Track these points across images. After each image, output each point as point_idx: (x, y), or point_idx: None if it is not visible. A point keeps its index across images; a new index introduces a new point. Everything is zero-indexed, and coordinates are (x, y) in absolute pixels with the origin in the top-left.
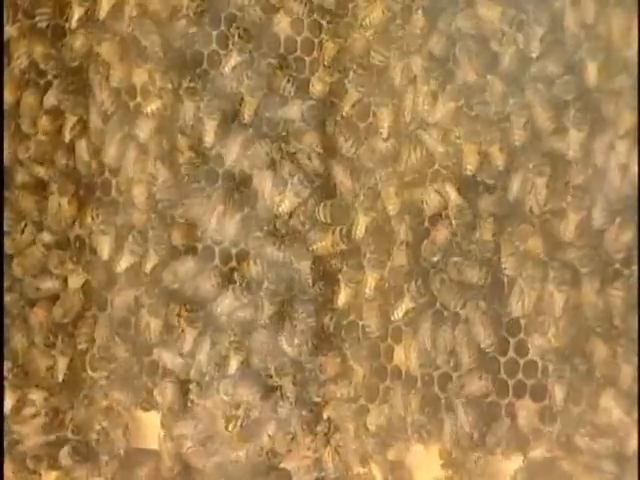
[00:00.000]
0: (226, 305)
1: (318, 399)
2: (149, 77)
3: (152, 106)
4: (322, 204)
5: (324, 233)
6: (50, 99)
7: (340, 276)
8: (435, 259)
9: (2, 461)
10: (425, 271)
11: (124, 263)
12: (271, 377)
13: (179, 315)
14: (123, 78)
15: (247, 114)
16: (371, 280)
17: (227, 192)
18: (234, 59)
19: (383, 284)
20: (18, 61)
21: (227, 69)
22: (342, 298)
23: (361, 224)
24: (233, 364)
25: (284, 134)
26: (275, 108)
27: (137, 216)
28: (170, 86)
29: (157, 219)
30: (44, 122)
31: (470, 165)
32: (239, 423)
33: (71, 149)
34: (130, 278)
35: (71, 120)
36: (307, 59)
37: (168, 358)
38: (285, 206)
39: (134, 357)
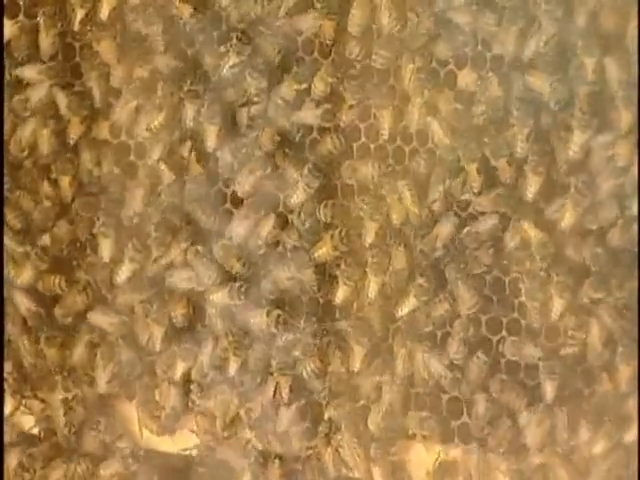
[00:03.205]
0: (218, 298)
1: (319, 399)
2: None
3: (155, 123)
4: (323, 204)
5: (324, 239)
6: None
7: (338, 273)
8: (437, 254)
9: (2, 461)
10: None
11: (124, 274)
12: (272, 374)
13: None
14: (123, 78)
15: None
16: (374, 285)
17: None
18: (232, 61)
19: (386, 288)
20: (16, 53)
21: (225, 71)
22: (340, 296)
23: (370, 230)
24: (233, 366)
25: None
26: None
27: (138, 219)
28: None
29: (160, 222)
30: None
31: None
32: (239, 423)
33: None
34: (132, 283)
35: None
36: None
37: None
38: (297, 197)
39: (136, 358)
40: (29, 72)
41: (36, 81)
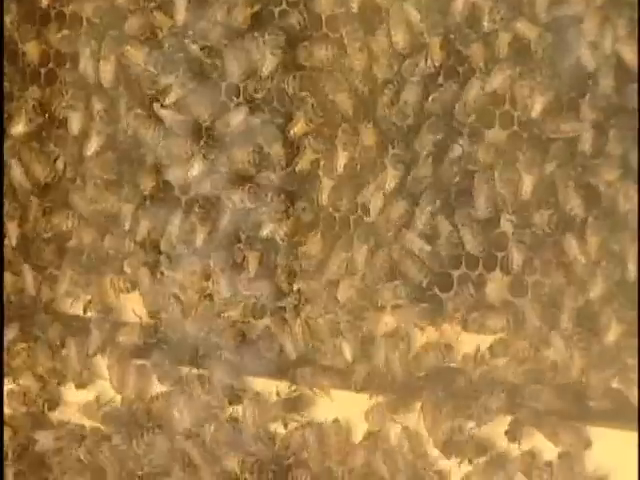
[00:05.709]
0: (196, 170)
1: (287, 272)
2: None
3: None
4: (291, 76)
5: (296, 115)
6: None
7: (306, 143)
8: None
9: (2, 461)
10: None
11: (92, 146)
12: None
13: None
14: None
15: None
16: (342, 159)
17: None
18: None
19: (354, 164)
20: None
21: None
22: (303, 164)
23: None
24: (199, 236)
25: None
26: None
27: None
28: None
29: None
30: None
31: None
32: (208, 294)
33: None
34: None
35: None
36: None
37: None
38: (267, 67)
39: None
40: None
41: None
